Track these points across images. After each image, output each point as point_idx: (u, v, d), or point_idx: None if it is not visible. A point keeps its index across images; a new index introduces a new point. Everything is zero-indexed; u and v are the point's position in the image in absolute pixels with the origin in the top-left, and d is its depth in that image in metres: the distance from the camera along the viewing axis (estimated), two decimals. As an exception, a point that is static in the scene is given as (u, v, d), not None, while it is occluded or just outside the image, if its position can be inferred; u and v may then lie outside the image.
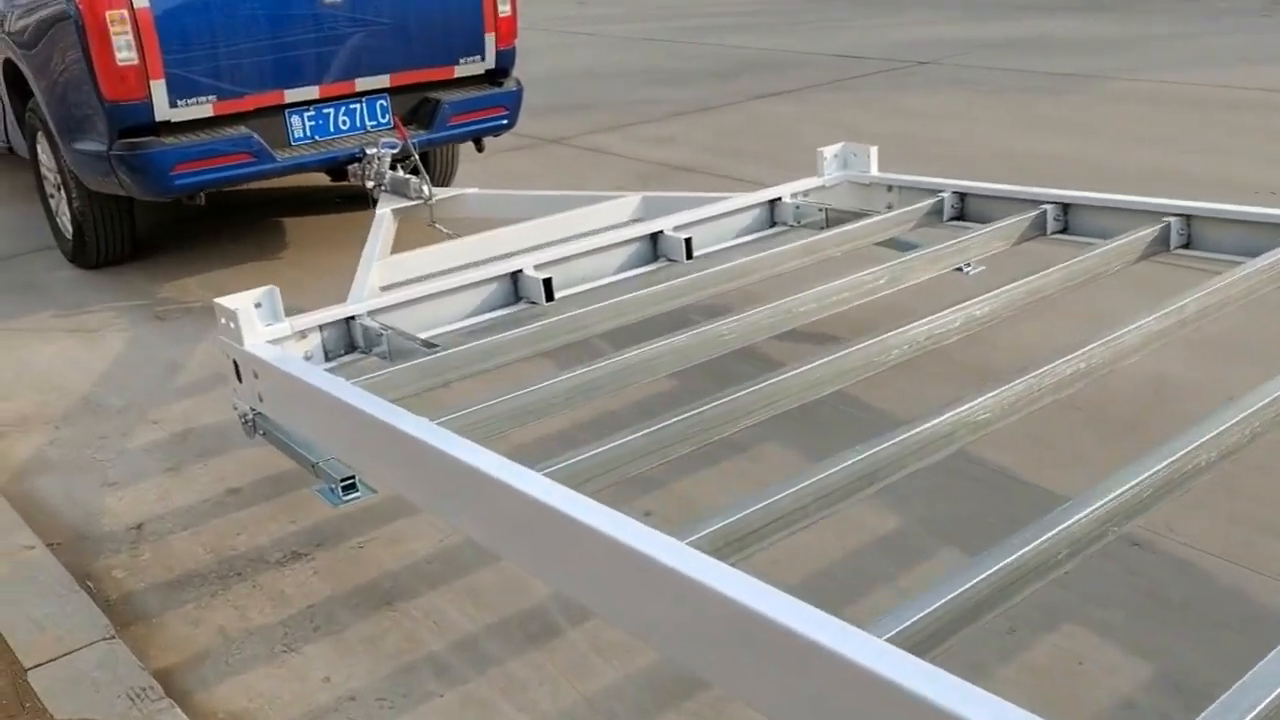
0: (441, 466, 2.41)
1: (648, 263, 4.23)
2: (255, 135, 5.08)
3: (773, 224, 4.61)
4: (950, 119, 8.31)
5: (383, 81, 5.48)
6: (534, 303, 3.85)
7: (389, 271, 4.20)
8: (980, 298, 3.22)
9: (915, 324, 3.05)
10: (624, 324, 3.53)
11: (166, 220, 6.78)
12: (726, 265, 3.77)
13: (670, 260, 4.23)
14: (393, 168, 5.31)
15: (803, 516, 2.22)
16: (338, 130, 5.46)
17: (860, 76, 10.37)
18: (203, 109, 4.99)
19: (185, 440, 4.00)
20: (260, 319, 3.35)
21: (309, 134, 5.39)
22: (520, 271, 3.84)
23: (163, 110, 4.88)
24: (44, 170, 6.04)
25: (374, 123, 5.57)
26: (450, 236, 4.70)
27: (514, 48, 5.89)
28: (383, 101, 5.56)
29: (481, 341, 3.23)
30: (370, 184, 5.32)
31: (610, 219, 4.75)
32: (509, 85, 5.86)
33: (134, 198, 5.32)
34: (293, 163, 5.23)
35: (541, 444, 3.72)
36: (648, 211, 4.82)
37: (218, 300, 3.31)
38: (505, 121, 5.89)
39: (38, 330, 5.18)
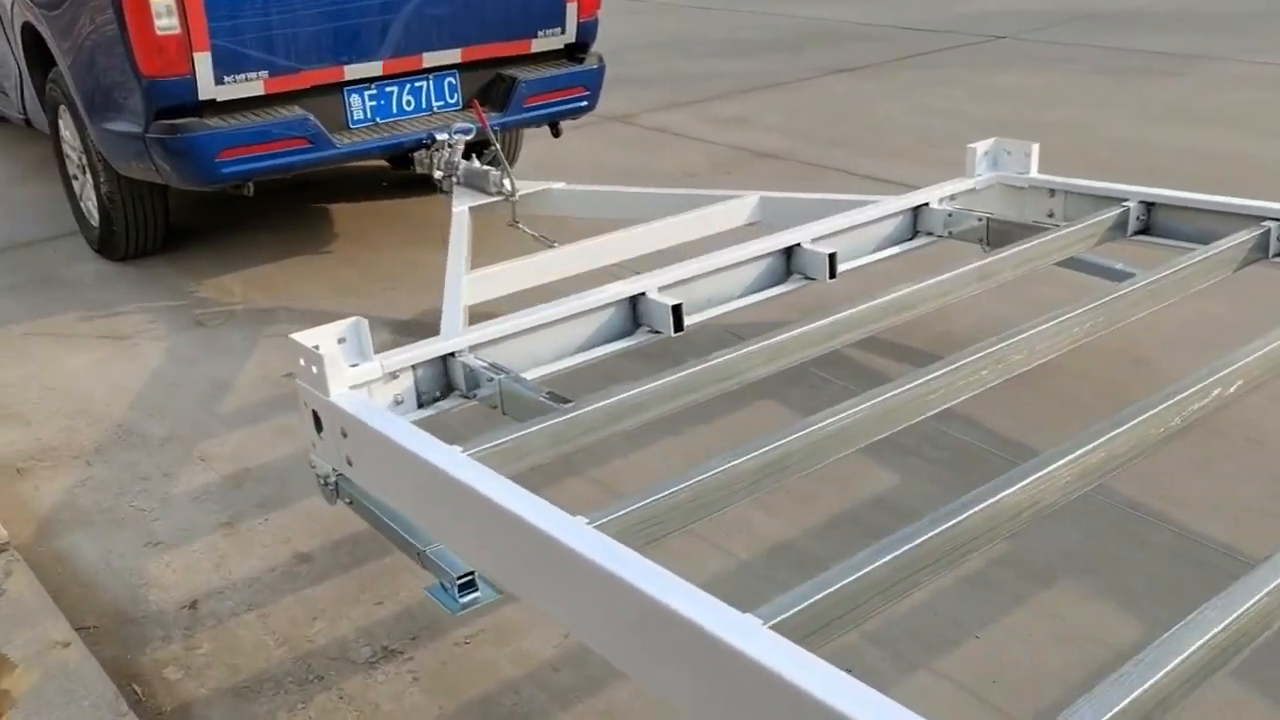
0: (607, 590, 1.81)
1: (781, 280, 3.60)
2: (311, 117, 4.44)
3: (915, 233, 3.98)
4: (1052, 103, 7.62)
5: (453, 56, 4.83)
6: (657, 331, 3.23)
7: (479, 288, 3.57)
8: None
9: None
10: (782, 367, 2.91)
11: (201, 205, 6.15)
12: (893, 295, 3.13)
13: (808, 278, 3.60)
14: (465, 156, 4.67)
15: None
16: (401, 112, 4.82)
17: (935, 51, 9.65)
18: (253, 86, 4.35)
19: (240, 485, 3.40)
20: (345, 356, 2.74)
21: (370, 115, 4.74)
22: (643, 295, 3.22)
23: (207, 88, 4.25)
24: (67, 149, 5.40)
25: (441, 103, 4.92)
26: (544, 243, 4.07)
27: (597, 19, 5.23)
28: (451, 79, 4.91)
29: (619, 396, 2.61)
30: (439, 174, 4.68)
31: (724, 223, 4.12)
32: (590, 62, 5.19)
33: (172, 186, 4.68)
34: (353, 149, 4.59)
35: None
36: (765, 215, 4.18)
37: (294, 337, 2.69)
38: (586, 103, 5.23)
39: (62, 336, 4.57)
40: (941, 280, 3.26)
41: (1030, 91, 7.98)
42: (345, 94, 4.64)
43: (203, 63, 4.19)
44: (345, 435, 2.55)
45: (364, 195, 6.24)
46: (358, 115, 4.71)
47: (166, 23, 4.09)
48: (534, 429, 2.47)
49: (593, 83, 5.22)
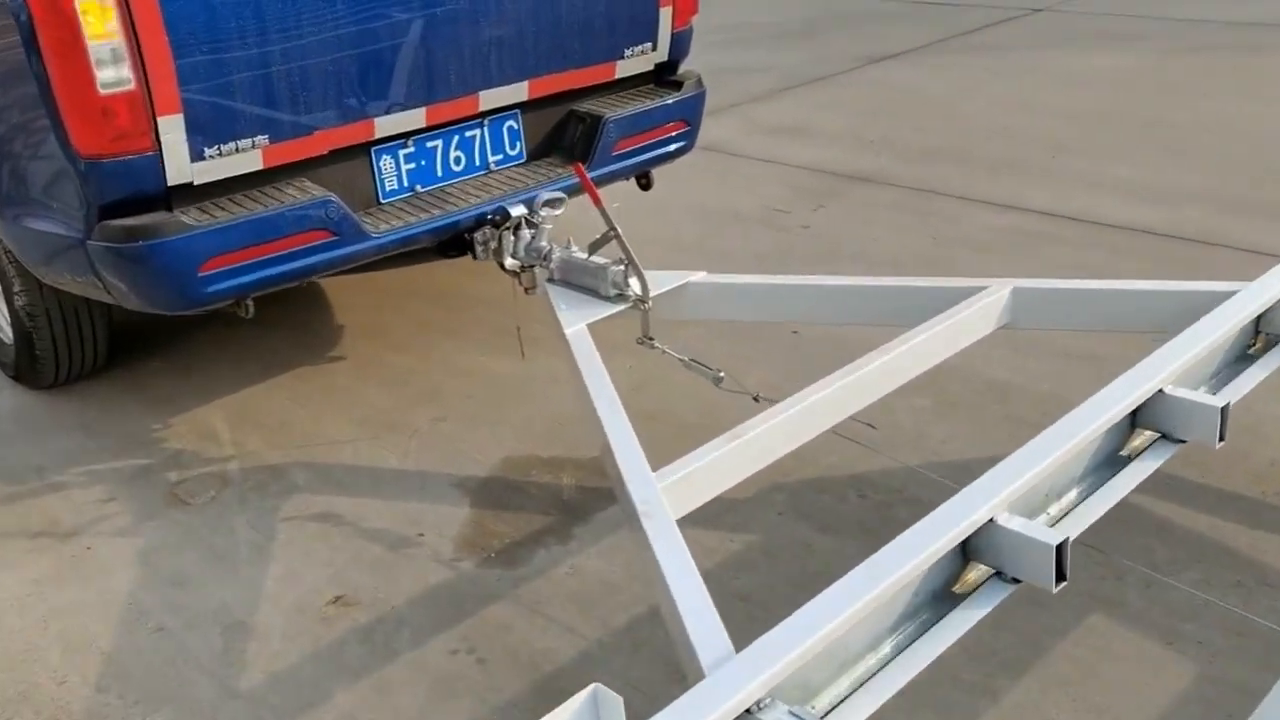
0: None
1: (1124, 439, 2.34)
2: (335, 199, 3.02)
3: (1257, 333, 2.74)
4: (1163, 90, 6.44)
5: (518, 93, 3.43)
6: (1015, 580, 1.95)
7: (672, 497, 2.21)
8: None
9: None
10: None
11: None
12: None
13: (1174, 439, 2.34)
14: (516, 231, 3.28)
15: None
16: (449, 174, 3.41)
17: (976, 30, 8.41)
18: (247, 159, 2.92)
19: None
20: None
21: (407, 183, 3.33)
22: (991, 523, 1.93)
23: (180, 167, 2.80)
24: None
25: (500, 157, 3.52)
26: (755, 398, 2.72)
27: (691, 29, 3.87)
28: (512, 123, 3.51)
29: None
30: (513, 263, 3.30)
31: (969, 334, 2.82)
32: (689, 87, 3.83)
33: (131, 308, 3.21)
34: (394, 238, 3.17)
35: None
36: (1017, 314, 2.89)
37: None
38: (685, 142, 3.88)
39: (-25, 537, 3.10)
40: None
41: (1120, 76, 6.79)
42: (374, 156, 3.23)
43: (172, 131, 2.75)
44: None
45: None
46: (391, 184, 3.30)
47: (114, 75, 2.63)
48: None
49: (694, 114, 3.86)
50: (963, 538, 1.91)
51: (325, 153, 3.07)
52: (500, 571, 2.82)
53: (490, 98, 3.36)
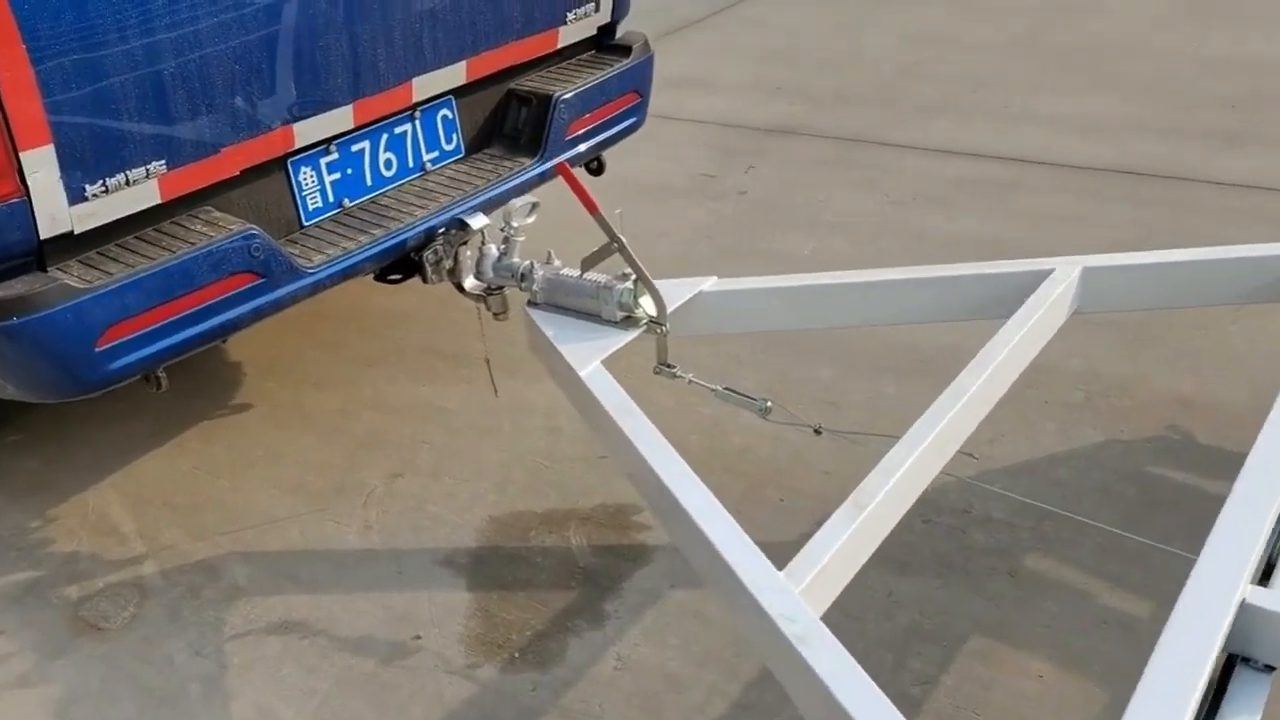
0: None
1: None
2: (259, 232, 2.37)
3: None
4: (1038, 13, 6.24)
5: (454, 76, 2.82)
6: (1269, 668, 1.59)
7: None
8: None
9: None
10: None
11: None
12: None
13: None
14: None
15: None
16: (380, 181, 2.79)
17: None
18: (141, 192, 2.23)
19: None
20: None
21: (334, 199, 2.70)
22: (1243, 605, 1.56)
23: (55, 213, 2.10)
24: None
25: (436, 154, 2.91)
26: (816, 430, 2.26)
27: (632, -21, 3.33)
28: (446, 112, 2.91)
29: None
30: (475, 285, 2.73)
31: (1044, 332, 2.43)
32: (638, 51, 3.28)
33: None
34: (332, 271, 2.54)
35: None
36: (1089, 298, 2.52)
37: None
38: (637, 117, 3.34)
39: None
40: None
41: (1004, 1, 6.57)
42: (292, 170, 2.58)
43: (41, 168, 2.05)
44: None
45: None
46: (314, 202, 2.66)
47: (-48, 99, 1.93)
48: None
49: (645, 83, 3.32)
50: (1224, 634, 1.52)
51: (237, 174, 2.42)
52: (533, 676, 2.30)
53: (425, 84, 2.75)
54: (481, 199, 2.82)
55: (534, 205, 2.62)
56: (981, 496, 2.67)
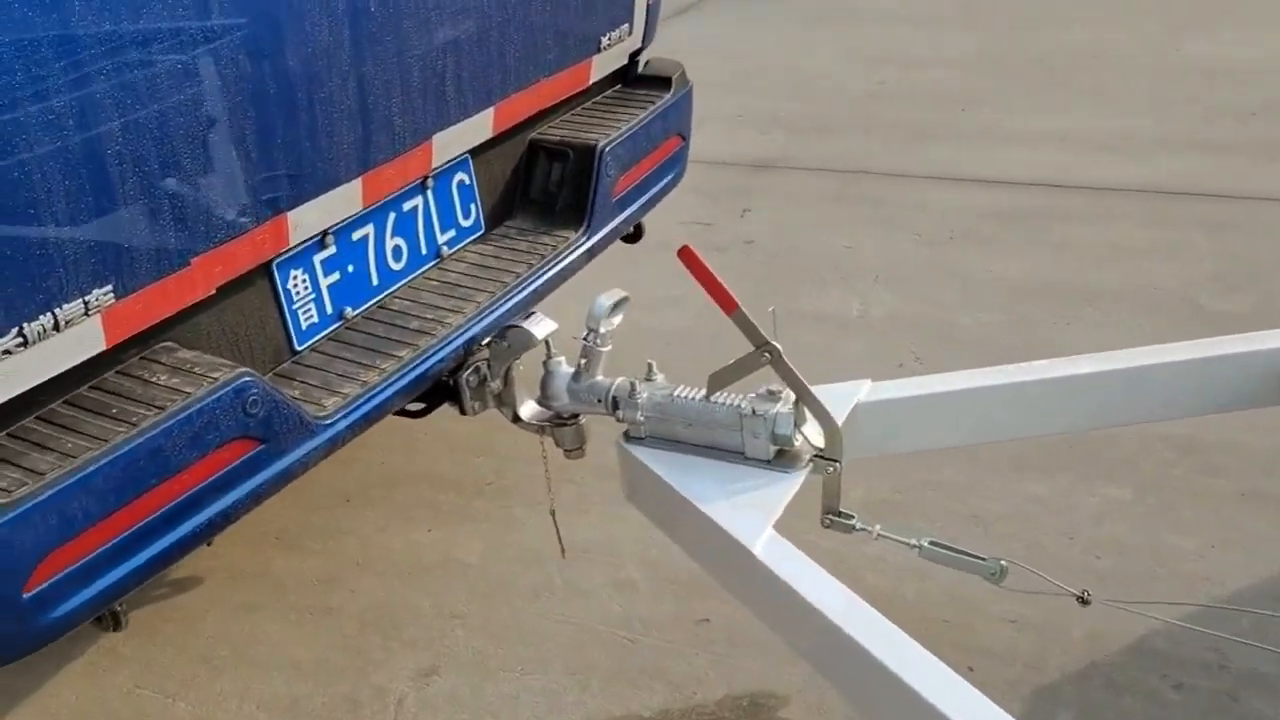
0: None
1: None
2: (253, 376, 1.59)
3: None
4: (998, 24, 5.82)
5: (480, 128, 2.07)
6: None
7: None
8: None
9: None
10: None
11: None
12: None
13: None
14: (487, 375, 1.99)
15: None
16: (389, 278, 2.02)
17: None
18: (79, 338, 1.43)
19: None
20: None
21: (332, 309, 1.91)
22: None
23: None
24: None
25: (451, 234, 2.16)
26: (1081, 599, 1.61)
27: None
28: (463, 177, 2.16)
29: None
30: (536, 413, 1.99)
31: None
32: (678, 83, 2.59)
33: None
34: (353, 419, 1.76)
35: None
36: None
37: None
38: (681, 166, 2.65)
39: None
40: None
41: (947, 10, 6.13)
42: (278, 276, 1.80)
43: (-83, 322, 1.25)
44: None
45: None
46: (309, 317, 1.87)
47: None
48: None
49: (687, 123, 2.63)
50: None
51: (213, 292, 1.63)
52: None
53: (446, 142, 1.99)
54: (526, 292, 2.09)
55: (622, 300, 1.91)
56: (1231, 647, 2.06)
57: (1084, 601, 1.70)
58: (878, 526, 1.78)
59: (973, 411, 1.96)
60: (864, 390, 1.95)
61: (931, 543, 1.76)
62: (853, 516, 1.80)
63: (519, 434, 2.08)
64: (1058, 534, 2.37)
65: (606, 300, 1.88)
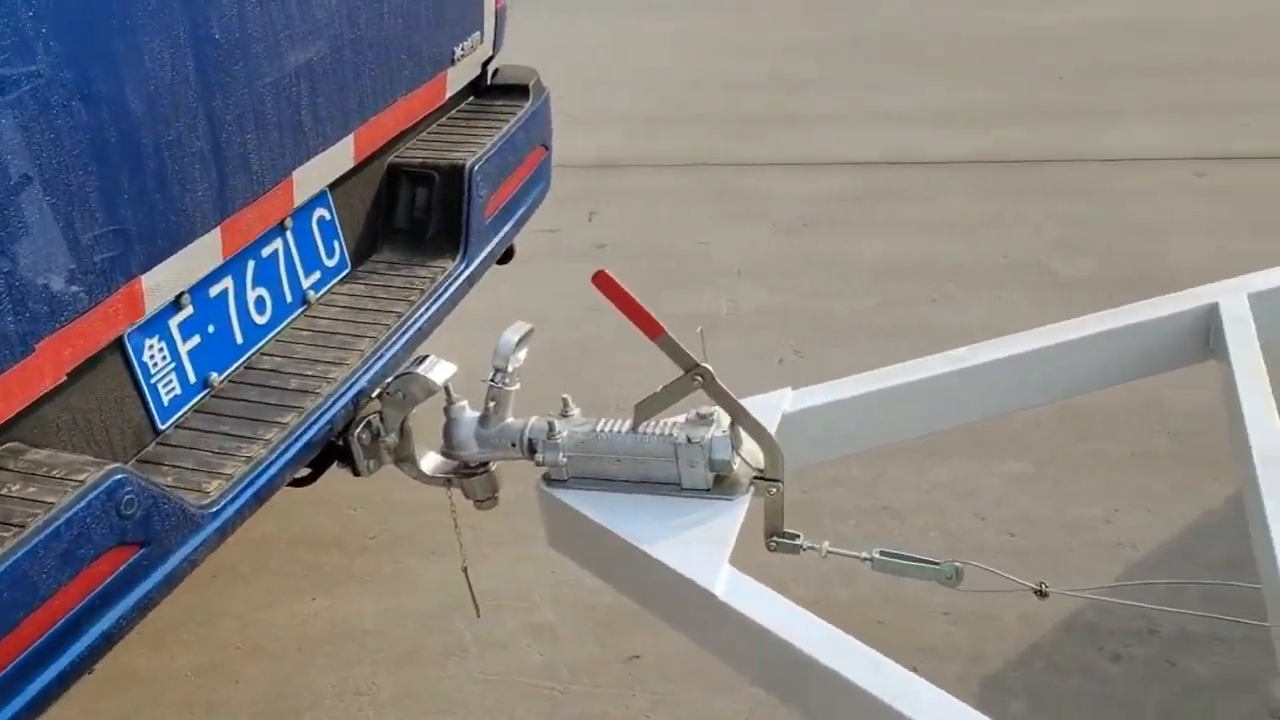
0: None
1: None
2: (127, 471, 1.35)
3: None
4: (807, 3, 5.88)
5: (340, 158, 1.87)
6: None
7: None
8: None
9: None
10: None
11: None
12: None
13: None
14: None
15: None
16: (254, 333, 1.79)
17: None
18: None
19: None
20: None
21: (195, 377, 1.68)
22: None
23: None
24: None
25: (316, 276, 1.95)
26: (1039, 591, 1.55)
27: (506, 5, 2.47)
28: (323, 213, 1.95)
29: None
30: (440, 465, 1.81)
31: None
32: (535, 90, 2.43)
33: None
34: (240, 503, 1.55)
35: None
36: (1271, 329, 1.99)
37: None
38: (546, 181, 2.49)
39: None
40: None
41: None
42: (131, 349, 1.56)
43: None
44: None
45: None
46: (170, 390, 1.63)
47: None
48: None
49: (549, 132, 2.47)
50: None
51: (63, 378, 1.39)
52: None
53: (307, 178, 1.78)
54: (410, 332, 1.91)
55: (528, 333, 1.75)
56: (1154, 608, 2.07)
57: (1042, 594, 1.67)
58: (826, 543, 1.69)
59: (900, 408, 1.90)
60: (787, 401, 1.86)
61: (882, 553, 1.68)
62: (798, 536, 1.70)
63: (395, 478, 1.89)
64: (970, 517, 2.36)
65: (512, 335, 1.72)
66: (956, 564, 1.69)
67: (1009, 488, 2.43)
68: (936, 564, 1.69)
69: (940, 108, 4.46)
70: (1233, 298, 1.98)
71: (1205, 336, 2.00)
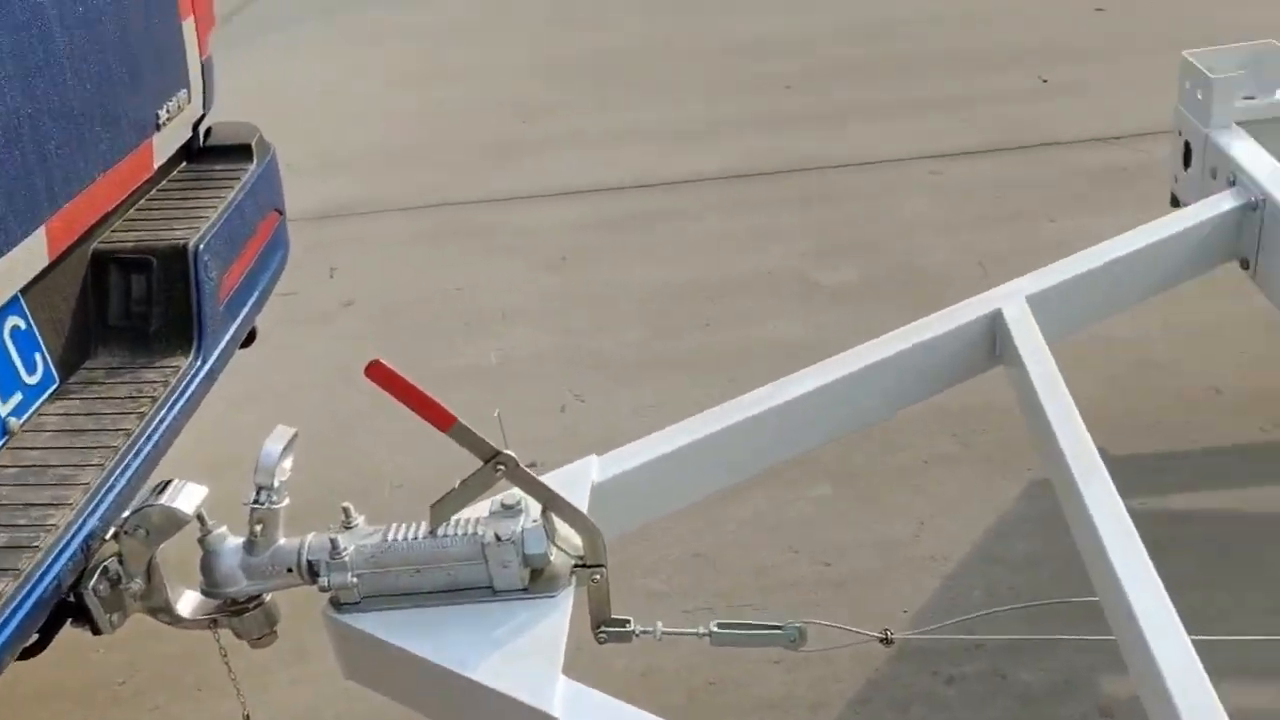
0: None
1: None
2: None
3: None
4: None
5: (32, 256, 1.55)
6: None
7: None
8: None
9: None
10: None
11: None
12: None
13: None
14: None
15: None
16: (-54, 483, 1.46)
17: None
18: None
19: None
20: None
21: (-127, 553, 1.34)
22: None
23: None
24: None
25: (18, 399, 1.62)
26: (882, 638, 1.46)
27: (211, 57, 2.18)
28: (18, 322, 1.62)
29: None
30: (199, 605, 1.53)
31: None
32: (260, 150, 2.15)
33: None
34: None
35: None
36: (1052, 326, 2.00)
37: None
38: (284, 248, 2.21)
39: None
40: None
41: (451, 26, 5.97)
42: None
43: None
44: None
45: None
46: None
47: None
48: None
49: (279, 194, 2.20)
50: None
51: None
52: None
53: (-7, 285, 1.47)
54: (145, 452, 1.61)
55: (292, 439, 1.50)
56: (974, 621, 2.05)
57: (887, 642, 1.59)
58: (659, 624, 1.54)
59: (714, 457, 1.78)
60: (594, 469, 1.70)
61: (719, 625, 1.56)
62: (628, 622, 1.55)
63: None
64: (781, 551, 2.28)
65: (274, 445, 1.47)
66: (798, 625, 1.59)
67: (815, 515, 2.37)
68: (779, 628, 1.58)
69: (681, 124, 4.43)
70: (1012, 302, 1.99)
71: (992, 344, 2.01)
